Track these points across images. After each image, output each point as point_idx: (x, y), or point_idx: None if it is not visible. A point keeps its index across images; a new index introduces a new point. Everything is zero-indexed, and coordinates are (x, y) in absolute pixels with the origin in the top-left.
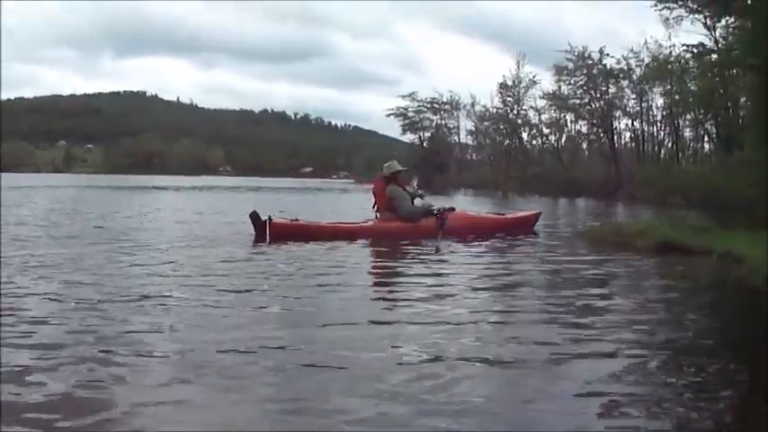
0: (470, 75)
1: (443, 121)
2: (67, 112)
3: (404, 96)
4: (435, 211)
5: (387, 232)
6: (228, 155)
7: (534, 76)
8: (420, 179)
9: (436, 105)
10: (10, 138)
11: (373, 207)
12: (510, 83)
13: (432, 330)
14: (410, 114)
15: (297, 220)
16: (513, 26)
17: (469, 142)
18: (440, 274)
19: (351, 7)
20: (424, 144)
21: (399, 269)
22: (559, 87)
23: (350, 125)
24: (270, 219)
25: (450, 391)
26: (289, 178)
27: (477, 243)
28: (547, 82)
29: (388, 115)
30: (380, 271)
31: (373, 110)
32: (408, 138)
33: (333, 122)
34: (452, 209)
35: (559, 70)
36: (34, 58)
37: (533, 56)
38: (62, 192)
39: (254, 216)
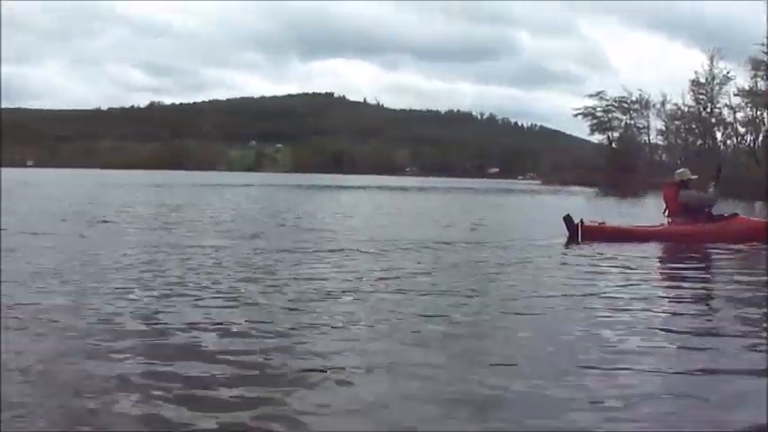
0: (656, 72)
1: (633, 121)
2: (258, 114)
3: (591, 95)
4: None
5: (697, 235)
6: (414, 155)
7: (728, 72)
8: (607, 181)
9: (625, 104)
10: (204, 138)
11: (664, 212)
12: (702, 80)
13: None
14: (598, 114)
15: (603, 223)
16: (702, 20)
17: (659, 142)
18: None
19: (533, 5)
20: (613, 145)
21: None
22: (756, 83)
23: (535, 125)
24: (581, 222)
25: None
26: (475, 179)
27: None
28: (741, 78)
29: (576, 115)
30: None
31: (558, 109)
32: (596, 138)
33: (519, 122)
34: (735, 214)
35: (756, 64)
36: (225, 62)
37: (725, 51)
38: (256, 190)
39: (568, 219)
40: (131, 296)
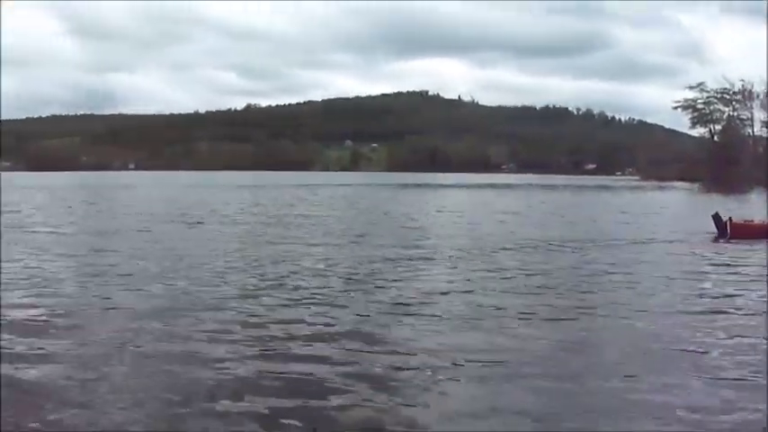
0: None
1: (735, 113)
2: (353, 113)
3: (691, 87)
4: None
5: None
6: (510, 152)
7: None
8: (710, 175)
9: (727, 96)
10: (301, 138)
11: None
12: None
13: None
14: (699, 106)
15: (751, 221)
16: None
17: (764, 134)
18: None
19: None
20: (715, 138)
21: None
22: None
23: (633, 119)
24: (730, 219)
25: None
26: (572, 175)
27: None
28: None
29: (676, 107)
30: None
31: (657, 102)
32: (697, 131)
33: (616, 117)
34: None
35: None
36: (318, 63)
37: None
38: (355, 189)
39: (716, 217)
40: (236, 299)
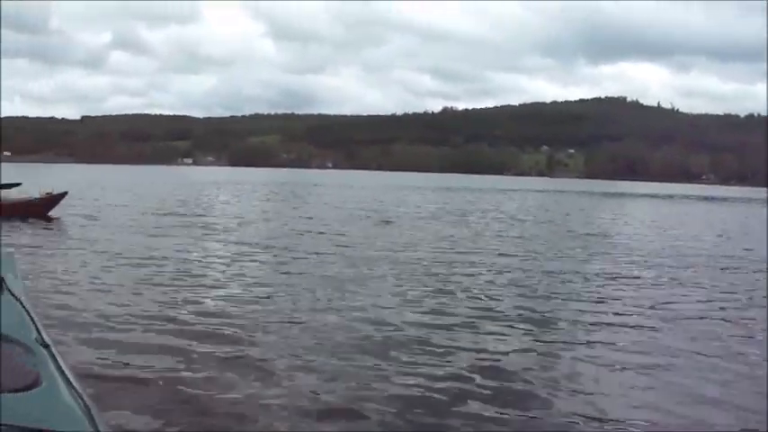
0: None
1: None
2: (550, 119)
3: None
4: None
5: None
6: (712, 162)
7: None
8: None
9: None
10: (498, 142)
11: None
12: None
13: None
14: None
15: None
16: None
17: None
18: None
19: None
20: None
21: None
22: None
23: None
24: None
25: None
26: None
27: None
28: None
29: None
30: None
31: None
32: None
33: None
34: None
35: None
36: (512, 66)
37: None
38: (555, 196)
39: None
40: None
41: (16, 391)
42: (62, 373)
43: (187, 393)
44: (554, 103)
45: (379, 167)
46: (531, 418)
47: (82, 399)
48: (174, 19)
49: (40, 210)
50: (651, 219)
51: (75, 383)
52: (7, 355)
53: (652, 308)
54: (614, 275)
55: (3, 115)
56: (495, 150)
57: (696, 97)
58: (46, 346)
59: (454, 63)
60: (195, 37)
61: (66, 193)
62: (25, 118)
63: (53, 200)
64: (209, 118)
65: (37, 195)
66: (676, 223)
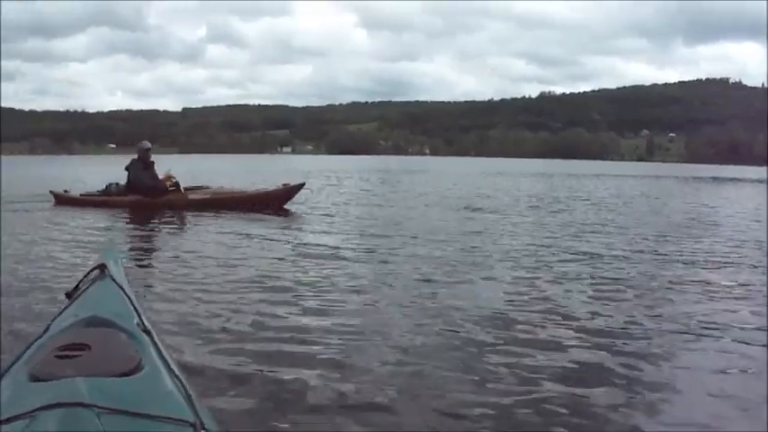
0: None
1: None
2: (650, 102)
3: None
4: None
5: None
6: None
7: None
8: None
9: None
10: (596, 127)
11: None
12: None
13: None
14: None
15: None
16: None
17: None
18: None
19: None
20: None
21: None
22: None
23: None
24: None
25: None
26: None
27: None
28: None
29: None
30: None
31: None
32: None
33: None
34: None
35: None
36: (610, 49)
37: None
38: (662, 182)
39: None
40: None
41: (118, 375)
42: (163, 359)
43: (288, 390)
44: (653, 85)
45: (478, 154)
46: None
47: (183, 385)
48: (267, 12)
49: (280, 201)
50: None
51: (176, 370)
52: (109, 340)
53: None
54: None
55: (106, 110)
56: (593, 135)
57: None
58: (147, 333)
59: (549, 47)
60: (288, 29)
61: (303, 183)
62: (129, 111)
63: (291, 191)
64: (306, 107)
65: (272, 188)
66: None
